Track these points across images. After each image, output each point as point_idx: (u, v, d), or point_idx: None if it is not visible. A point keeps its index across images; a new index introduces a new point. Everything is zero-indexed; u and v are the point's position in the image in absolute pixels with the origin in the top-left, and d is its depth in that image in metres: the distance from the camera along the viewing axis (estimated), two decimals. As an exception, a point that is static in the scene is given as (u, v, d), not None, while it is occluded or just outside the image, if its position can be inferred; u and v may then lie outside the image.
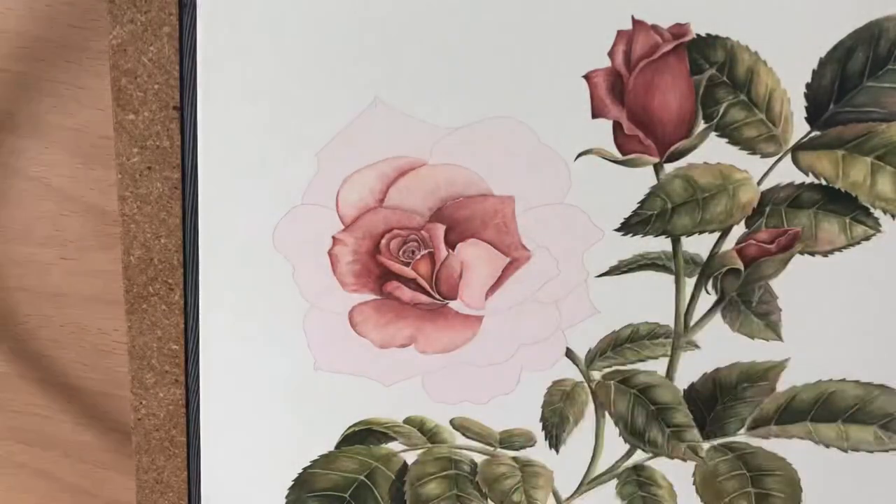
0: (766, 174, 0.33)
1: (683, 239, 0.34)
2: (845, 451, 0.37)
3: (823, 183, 0.33)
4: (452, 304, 0.36)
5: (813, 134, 0.32)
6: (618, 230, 0.34)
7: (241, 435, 0.39)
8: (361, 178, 0.34)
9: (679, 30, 0.31)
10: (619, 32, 0.31)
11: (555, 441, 0.38)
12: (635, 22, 0.31)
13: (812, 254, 0.34)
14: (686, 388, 0.37)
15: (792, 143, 0.32)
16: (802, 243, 0.33)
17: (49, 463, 0.45)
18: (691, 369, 0.37)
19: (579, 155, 0.33)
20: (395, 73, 0.32)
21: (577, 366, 0.37)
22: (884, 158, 0.32)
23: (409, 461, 0.39)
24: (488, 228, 0.34)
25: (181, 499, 0.40)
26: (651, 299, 0.35)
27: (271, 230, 0.35)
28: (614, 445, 0.38)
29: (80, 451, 0.45)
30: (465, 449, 0.39)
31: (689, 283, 0.35)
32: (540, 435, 0.38)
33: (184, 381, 0.38)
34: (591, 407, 0.38)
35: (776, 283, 0.34)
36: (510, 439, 0.38)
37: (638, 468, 0.39)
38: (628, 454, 0.38)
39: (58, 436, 0.45)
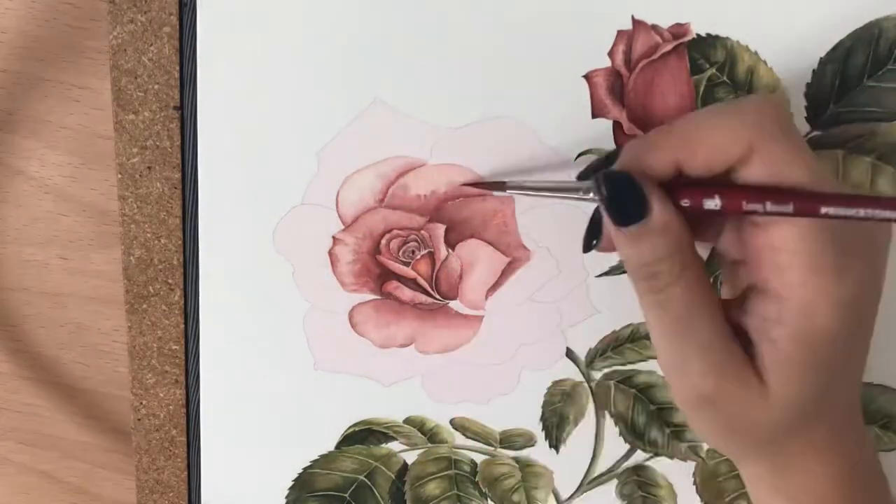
0: (766, 174, 0.33)
1: (683, 239, 0.34)
2: (845, 451, 0.37)
3: (823, 183, 0.33)
4: (452, 304, 0.36)
5: (813, 134, 0.32)
6: (618, 230, 0.34)
7: (241, 435, 0.39)
8: (361, 178, 0.34)
9: (679, 30, 0.31)
10: (619, 32, 0.31)
11: (555, 441, 0.38)
12: (635, 22, 0.31)
13: (812, 254, 0.34)
14: (686, 388, 0.37)
15: (792, 143, 0.32)
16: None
17: (49, 463, 0.45)
18: (691, 369, 0.37)
19: (579, 155, 0.33)
20: (395, 73, 0.32)
21: (577, 366, 0.37)
22: (884, 158, 0.32)
23: (409, 461, 0.39)
24: (488, 228, 0.34)
25: (181, 499, 0.40)
26: (651, 299, 0.35)
27: (271, 230, 0.35)
28: (614, 445, 0.38)
29: (80, 451, 0.45)
30: (465, 449, 0.39)
31: (689, 283, 0.35)
32: (540, 435, 0.38)
33: (184, 381, 0.38)
34: (591, 407, 0.38)
35: (776, 283, 0.34)
36: (510, 439, 0.38)
37: (638, 468, 0.39)
38: (628, 454, 0.38)
39: (58, 436, 0.45)
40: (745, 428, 0.28)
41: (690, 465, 0.38)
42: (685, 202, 0.26)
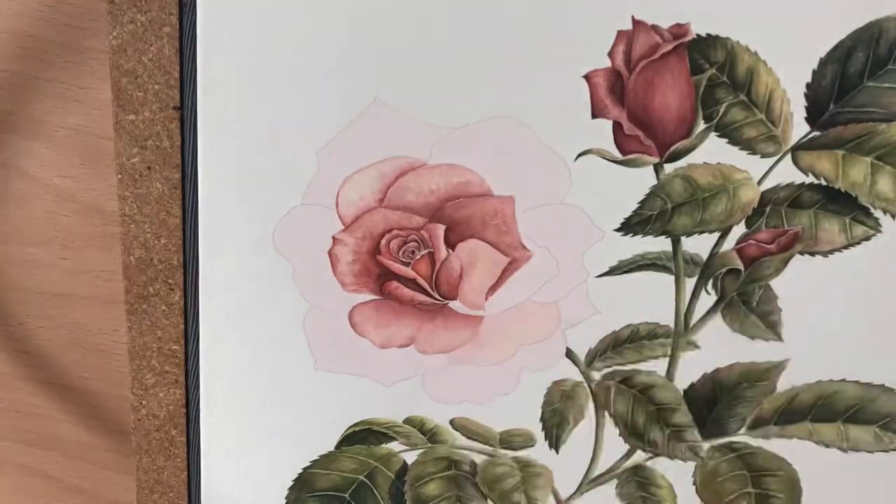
0: (766, 174, 0.33)
1: (683, 239, 0.34)
2: (845, 451, 0.37)
3: (823, 183, 0.33)
4: (452, 304, 0.36)
5: (813, 134, 0.32)
6: (618, 230, 0.34)
7: (241, 435, 0.39)
8: (361, 178, 0.34)
9: (679, 30, 0.31)
10: (619, 32, 0.31)
11: (555, 441, 0.38)
12: (635, 22, 0.31)
13: (812, 254, 0.34)
14: (686, 388, 0.37)
15: (792, 143, 0.32)
16: (802, 243, 0.33)
17: (49, 463, 0.45)
18: (691, 369, 0.37)
19: (579, 155, 0.33)
20: (395, 73, 0.32)
21: (577, 366, 0.37)
22: (884, 158, 0.32)
23: (409, 461, 0.39)
24: (488, 228, 0.34)
25: (181, 499, 0.40)
26: (651, 299, 0.35)
27: (271, 230, 0.35)
28: (614, 445, 0.38)
29: (80, 451, 0.45)
30: (465, 449, 0.39)
31: (689, 284, 0.35)
32: (540, 435, 0.38)
33: (184, 381, 0.38)
34: (591, 407, 0.38)
35: (776, 283, 0.34)
36: (510, 439, 0.38)
37: (638, 468, 0.39)
38: (628, 454, 0.38)
39: (58, 436, 0.45)
40: None
41: (690, 465, 0.38)
42: None
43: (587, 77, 0.32)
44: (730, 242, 0.34)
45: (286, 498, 0.40)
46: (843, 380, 0.36)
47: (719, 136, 0.32)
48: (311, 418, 0.38)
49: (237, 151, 0.34)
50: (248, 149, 0.33)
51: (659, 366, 0.37)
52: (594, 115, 0.32)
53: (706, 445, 0.38)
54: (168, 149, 0.34)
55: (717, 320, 0.35)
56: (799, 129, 0.32)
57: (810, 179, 0.33)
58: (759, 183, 0.33)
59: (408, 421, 0.38)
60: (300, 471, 0.39)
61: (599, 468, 0.39)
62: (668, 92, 0.32)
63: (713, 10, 0.31)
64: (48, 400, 0.44)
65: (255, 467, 0.40)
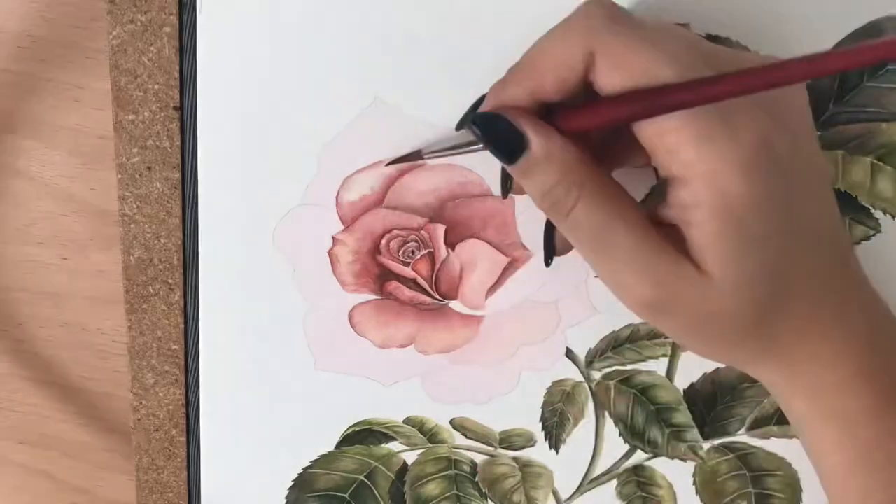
0: (766, 174, 0.33)
1: (683, 239, 0.34)
2: (845, 451, 0.37)
3: (823, 183, 0.32)
4: (452, 304, 0.36)
5: (813, 134, 0.32)
6: (618, 230, 0.34)
7: (241, 435, 0.39)
8: (361, 178, 0.34)
9: (679, 30, 0.31)
10: (619, 32, 0.31)
11: (555, 441, 0.38)
12: (635, 22, 0.31)
13: (812, 254, 0.34)
14: (686, 388, 0.37)
15: (792, 143, 0.32)
16: (802, 243, 0.33)
17: (49, 463, 0.45)
18: (691, 369, 0.37)
19: (579, 155, 0.33)
20: (395, 73, 0.32)
21: (577, 366, 0.37)
22: (884, 158, 0.32)
23: (409, 461, 0.39)
24: (488, 228, 0.34)
25: (181, 499, 0.40)
26: (651, 299, 0.35)
27: (271, 230, 0.35)
28: (614, 445, 0.38)
29: (80, 451, 0.45)
30: (465, 449, 0.39)
31: (689, 283, 0.35)
32: (540, 435, 0.38)
33: (184, 381, 0.38)
34: (591, 407, 0.38)
35: (776, 283, 0.34)
36: (510, 439, 0.38)
37: (638, 468, 0.39)
38: (628, 454, 0.38)
39: (58, 436, 0.45)
40: (708, 322, 0.27)
41: (690, 465, 0.38)
42: (563, 126, 0.27)
43: (587, 77, 0.32)
44: (730, 242, 0.34)
45: (286, 498, 0.40)
46: (843, 380, 0.36)
47: (719, 136, 0.32)
48: (311, 418, 0.38)
49: (237, 151, 0.34)
50: (248, 149, 0.33)
51: (659, 366, 0.37)
52: (594, 115, 0.32)
53: (706, 445, 0.38)
54: (168, 149, 0.34)
55: (717, 320, 0.35)
56: (799, 128, 0.32)
57: (810, 179, 0.33)
58: (759, 183, 0.33)
59: (408, 421, 0.38)
60: (300, 471, 0.39)
61: (599, 468, 0.39)
62: (668, 92, 0.32)
63: (713, 10, 0.31)
64: (48, 400, 0.44)
65: (255, 467, 0.40)
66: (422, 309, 0.36)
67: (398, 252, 0.35)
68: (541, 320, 0.36)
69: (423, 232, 0.34)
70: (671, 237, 0.27)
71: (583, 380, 0.37)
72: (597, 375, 0.37)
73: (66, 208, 0.39)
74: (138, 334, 0.37)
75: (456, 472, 0.39)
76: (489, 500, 0.40)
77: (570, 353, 0.36)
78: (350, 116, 0.33)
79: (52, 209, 0.39)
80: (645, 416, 0.37)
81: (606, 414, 0.38)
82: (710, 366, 0.36)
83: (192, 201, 0.34)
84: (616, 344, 0.36)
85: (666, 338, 0.36)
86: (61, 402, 0.44)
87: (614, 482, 0.39)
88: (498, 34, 0.31)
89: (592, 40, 0.25)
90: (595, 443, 0.38)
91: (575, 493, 0.39)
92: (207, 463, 0.39)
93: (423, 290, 0.35)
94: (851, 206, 0.33)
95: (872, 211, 0.33)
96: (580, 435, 0.38)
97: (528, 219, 0.34)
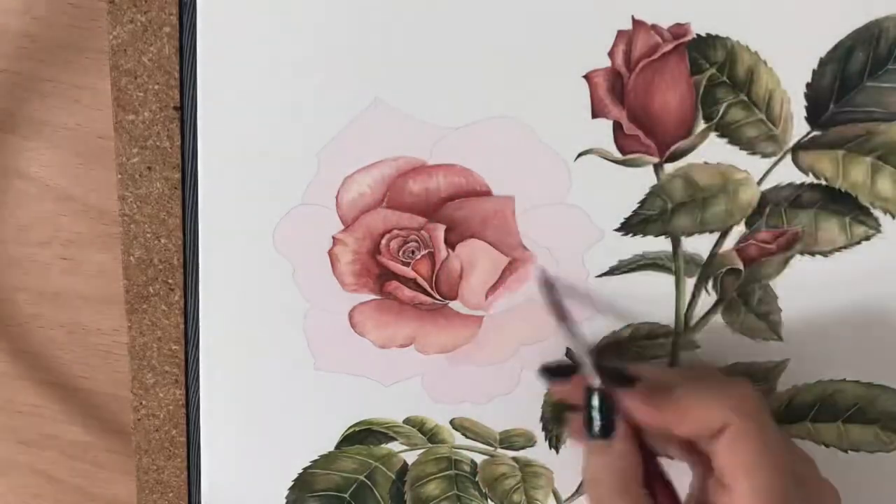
0: (766, 174, 0.33)
1: (683, 239, 0.34)
2: (845, 451, 0.37)
3: (823, 183, 0.33)
4: (452, 304, 0.36)
5: (813, 134, 0.32)
6: (618, 230, 0.34)
7: (241, 435, 0.39)
8: (361, 178, 0.34)
9: (679, 30, 0.31)
10: (619, 32, 0.31)
11: (555, 441, 0.38)
12: (635, 22, 0.31)
13: (812, 254, 0.34)
14: (686, 388, 0.37)
15: (792, 143, 0.32)
16: (802, 243, 0.33)
17: (49, 463, 0.45)
18: (691, 369, 0.37)
19: (579, 155, 0.33)
20: (395, 73, 0.32)
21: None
22: (884, 158, 0.32)
23: (409, 461, 0.39)
24: (488, 228, 0.34)
25: (181, 499, 0.40)
26: (651, 299, 0.35)
27: (271, 230, 0.35)
28: (614, 445, 0.38)
29: (80, 451, 0.45)
30: (465, 449, 0.39)
31: (689, 283, 0.35)
32: (540, 435, 0.38)
33: (184, 381, 0.38)
34: (591, 407, 0.37)
35: (776, 283, 0.34)
36: (510, 439, 0.38)
37: (638, 468, 0.38)
38: (628, 454, 0.38)
39: (58, 436, 0.45)
40: None
41: (690, 465, 0.38)
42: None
43: (587, 77, 0.32)
44: (730, 242, 0.34)
45: (286, 498, 0.40)
46: (843, 380, 0.36)
47: (719, 136, 0.32)
48: (311, 418, 0.38)
49: (237, 151, 0.34)
50: (248, 149, 0.33)
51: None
52: (594, 115, 0.32)
53: (706, 445, 0.38)
54: (168, 149, 0.34)
55: (718, 320, 0.35)
56: (799, 128, 0.32)
57: (810, 179, 0.33)
58: (760, 183, 0.33)
59: (408, 421, 0.38)
60: (300, 471, 0.39)
61: (599, 468, 0.39)
62: (668, 92, 0.32)
63: (713, 10, 0.31)
64: (48, 400, 0.44)
65: (255, 467, 0.40)
66: (422, 309, 0.36)
67: (398, 252, 0.35)
68: (541, 320, 0.36)
69: (423, 232, 0.34)
70: None
71: (583, 380, 0.37)
72: (597, 375, 0.37)
73: (66, 208, 0.39)
74: (138, 334, 0.37)
75: (456, 472, 0.39)
76: (489, 500, 0.40)
77: (570, 353, 0.36)
78: (350, 116, 0.33)
79: (52, 209, 0.39)
80: (645, 416, 0.37)
81: (606, 414, 0.38)
82: (710, 366, 0.36)
83: (192, 201, 0.34)
84: (616, 344, 0.36)
85: (666, 337, 0.36)
86: (61, 402, 0.44)
87: (614, 482, 0.39)
88: (498, 34, 0.31)
89: (735, 420, 0.29)
90: (595, 443, 0.38)
91: (575, 493, 0.39)
92: (207, 463, 0.39)
93: (423, 290, 0.35)
94: (851, 206, 0.33)
95: (872, 211, 0.33)
96: (580, 435, 0.38)
97: (528, 219, 0.34)
